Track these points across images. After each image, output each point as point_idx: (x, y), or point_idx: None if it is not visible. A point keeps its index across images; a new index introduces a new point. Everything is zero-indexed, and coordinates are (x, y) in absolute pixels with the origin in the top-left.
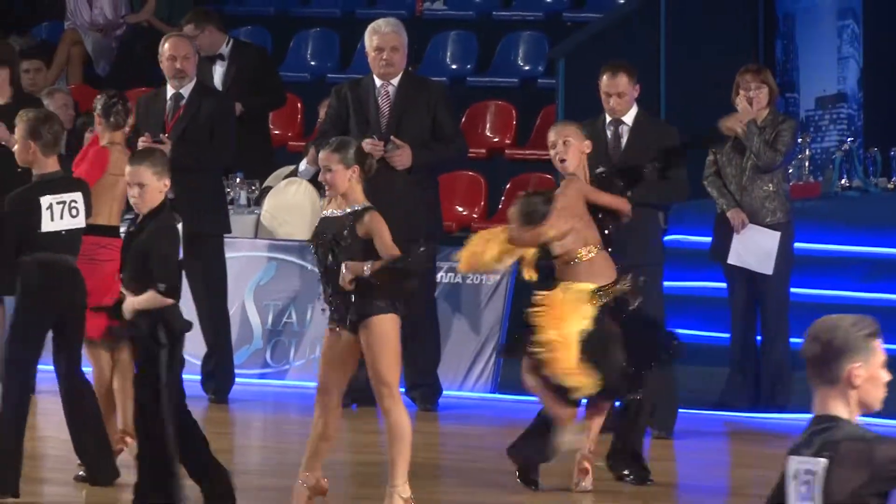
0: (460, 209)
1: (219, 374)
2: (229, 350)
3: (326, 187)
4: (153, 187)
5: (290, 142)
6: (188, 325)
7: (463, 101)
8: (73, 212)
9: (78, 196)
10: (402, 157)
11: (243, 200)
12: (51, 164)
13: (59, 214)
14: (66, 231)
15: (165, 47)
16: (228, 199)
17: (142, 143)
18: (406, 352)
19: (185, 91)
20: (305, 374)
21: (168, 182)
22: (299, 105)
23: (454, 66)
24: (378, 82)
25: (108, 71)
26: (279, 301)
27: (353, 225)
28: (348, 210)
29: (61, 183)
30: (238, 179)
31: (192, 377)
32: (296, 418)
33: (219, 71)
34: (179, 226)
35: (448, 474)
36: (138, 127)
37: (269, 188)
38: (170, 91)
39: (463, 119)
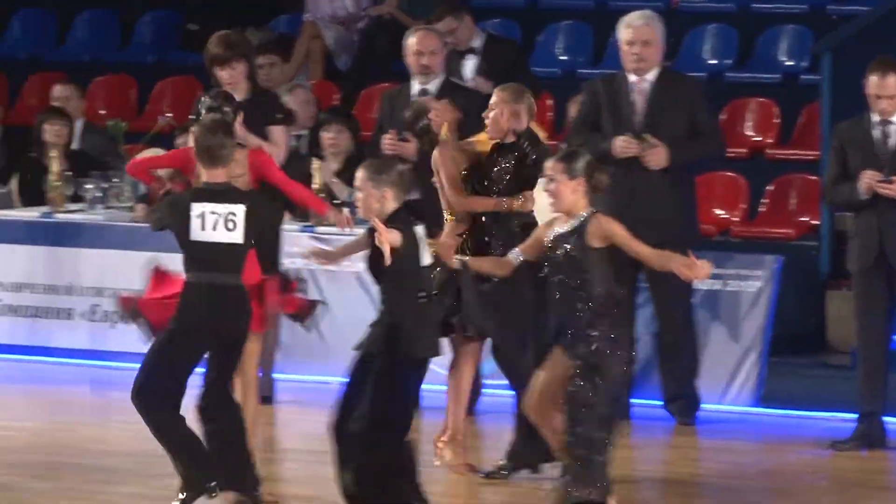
0: (719, 212)
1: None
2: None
3: (550, 200)
4: (369, 194)
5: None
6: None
7: (721, 98)
8: (230, 225)
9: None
10: (657, 157)
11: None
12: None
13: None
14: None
15: (411, 41)
16: None
17: (386, 141)
18: (662, 362)
19: (433, 87)
20: None
21: (387, 193)
22: (549, 102)
23: (712, 61)
24: (632, 78)
25: (348, 66)
26: None
27: (583, 235)
28: (575, 223)
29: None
30: None
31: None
32: None
33: (469, 65)
34: (419, 229)
35: (706, 493)
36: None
37: None
38: (415, 87)
39: (722, 116)
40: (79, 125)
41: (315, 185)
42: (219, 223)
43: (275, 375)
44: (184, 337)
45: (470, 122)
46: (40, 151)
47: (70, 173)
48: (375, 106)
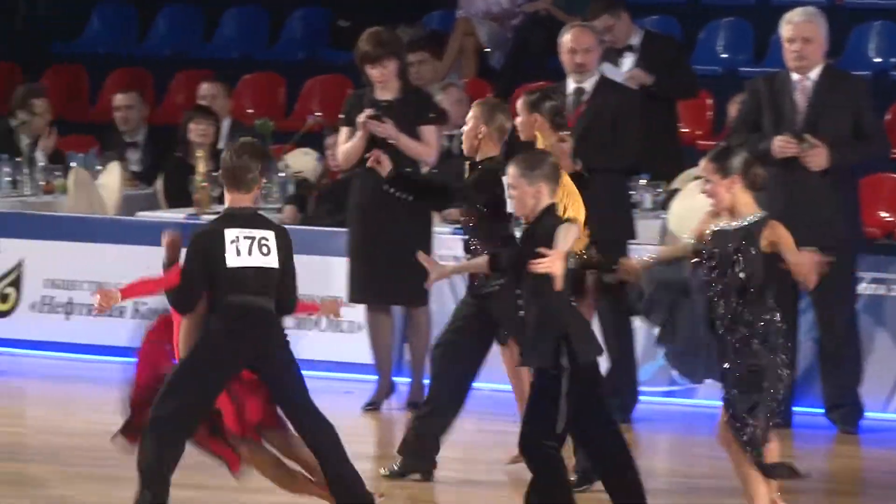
0: (884, 215)
1: (622, 391)
2: (633, 366)
3: (709, 201)
4: (524, 192)
5: (699, 140)
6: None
7: (887, 97)
8: (264, 249)
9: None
10: (818, 158)
11: (648, 204)
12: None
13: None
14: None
15: (566, 39)
16: (632, 202)
17: None
18: (824, 369)
19: (588, 85)
20: (716, 393)
21: (542, 188)
22: (709, 101)
23: (877, 59)
24: (794, 76)
25: (502, 63)
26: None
27: (754, 238)
28: (743, 223)
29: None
30: (643, 181)
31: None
32: (705, 440)
33: (627, 63)
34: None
35: (870, 503)
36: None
37: (676, 191)
38: (571, 85)
39: (887, 116)
40: (226, 124)
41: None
42: (253, 247)
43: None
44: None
45: (624, 120)
46: (186, 151)
47: (216, 173)
48: None
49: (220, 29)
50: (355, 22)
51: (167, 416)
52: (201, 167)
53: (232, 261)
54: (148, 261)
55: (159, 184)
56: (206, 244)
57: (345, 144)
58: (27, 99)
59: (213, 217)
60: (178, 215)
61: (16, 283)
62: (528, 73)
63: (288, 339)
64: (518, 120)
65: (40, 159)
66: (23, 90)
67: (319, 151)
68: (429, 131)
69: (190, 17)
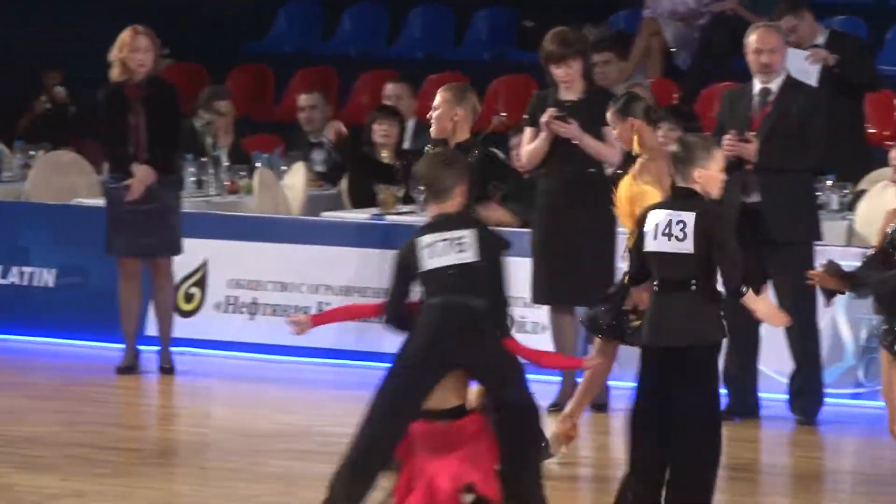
0: None
1: (806, 393)
2: (818, 367)
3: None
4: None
5: (887, 141)
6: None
7: None
8: (458, 247)
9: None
10: None
11: (835, 205)
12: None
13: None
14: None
15: (751, 39)
16: (819, 203)
17: (726, 142)
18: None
19: (774, 86)
20: None
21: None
22: None
23: None
24: None
25: (688, 63)
26: (874, 315)
27: None
28: None
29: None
30: (829, 182)
31: (777, 396)
32: (891, 442)
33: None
34: None
35: None
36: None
37: (863, 192)
38: (756, 86)
39: None
40: (410, 124)
41: None
42: (448, 248)
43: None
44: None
45: (810, 121)
46: (371, 151)
47: (401, 174)
48: (716, 105)
49: (405, 29)
50: (541, 22)
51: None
52: None
53: (427, 264)
54: (332, 261)
55: (344, 184)
56: (405, 257)
57: (529, 145)
58: (212, 100)
59: (396, 217)
60: (362, 215)
61: (200, 284)
62: (714, 73)
63: (501, 337)
64: (614, 132)
65: (225, 159)
66: (208, 91)
67: (504, 152)
68: (612, 132)
69: (375, 16)
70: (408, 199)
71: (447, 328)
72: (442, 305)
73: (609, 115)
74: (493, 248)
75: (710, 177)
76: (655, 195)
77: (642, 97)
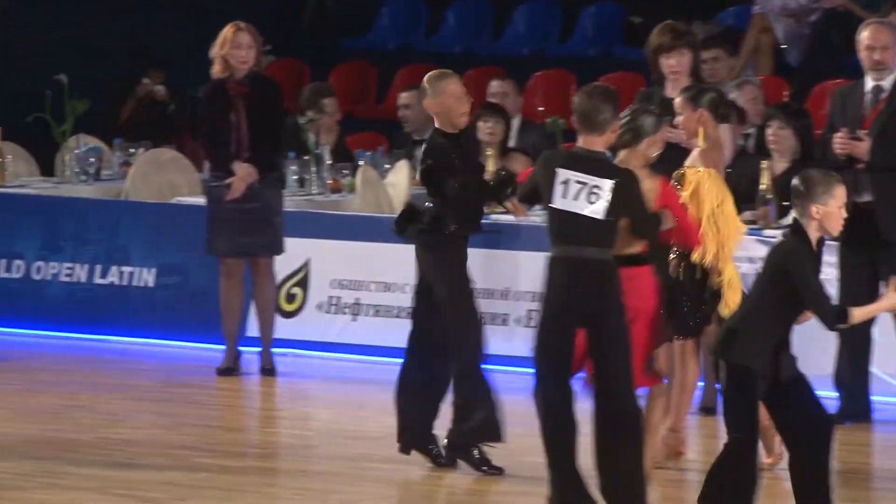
0: None
1: None
2: None
3: None
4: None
5: None
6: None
7: None
8: (592, 198)
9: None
10: None
11: None
12: None
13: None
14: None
15: (864, 35)
16: None
17: (837, 140)
18: None
19: (887, 83)
20: None
21: None
22: None
23: None
24: None
25: (799, 61)
26: None
27: None
28: None
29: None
30: None
31: (890, 399)
32: None
33: None
34: None
35: None
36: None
37: None
38: (868, 83)
39: None
40: (515, 122)
41: (762, 185)
42: (581, 194)
43: None
44: (551, 317)
45: None
46: (476, 149)
47: (506, 172)
48: (827, 103)
49: (510, 25)
50: (649, 18)
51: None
52: (491, 166)
53: (557, 202)
54: None
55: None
56: (540, 169)
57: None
58: (317, 97)
59: (499, 217)
60: None
61: (302, 284)
62: (826, 70)
63: (616, 292)
64: (679, 119)
65: (328, 158)
66: (312, 88)
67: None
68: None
69: (480, 12)
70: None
71: (570, 284)
72: (567, 260)
73: (679, 102)
74: (630, 199)
75: (828, 213)
76: (715, 182)
77: (715, 91)
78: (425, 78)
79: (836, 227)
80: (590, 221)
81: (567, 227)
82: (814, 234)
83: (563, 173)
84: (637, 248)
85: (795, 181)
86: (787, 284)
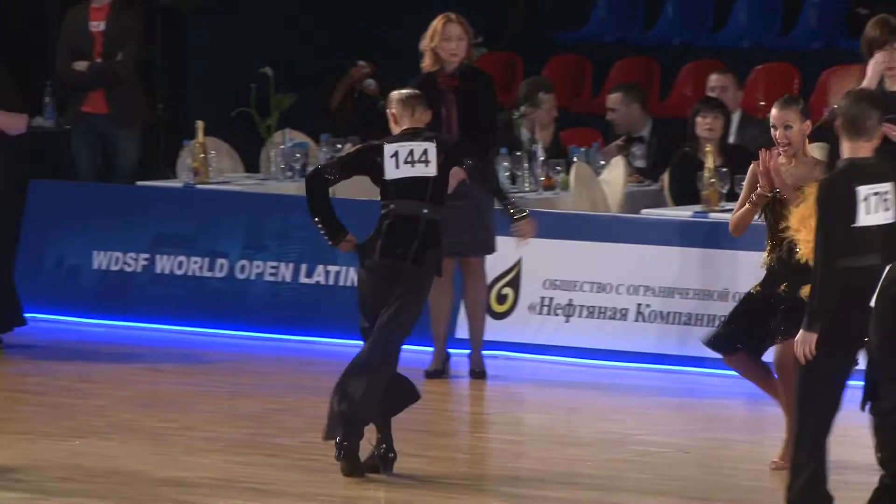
0: None
1: None
2: None
3: None
4: None
5: None
6: None
7: None
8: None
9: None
10: None
11: None
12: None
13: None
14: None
15: None
16: None
17: None
18: None
19: None
20: None
21: None
22: None
23: None
24: None
25: None
26: None
27: None
28: None
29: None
30: None
31: None
32: None
33: None
34: None
35: None
36: None
37: None
38: None
39: None
40: (735, 117)
41: None
42: (879, 205)
43: None
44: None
45: None
46: (694, 145)
47: (726, 169)
48: None
49: (731, 18)
50: (876, 9)
51: None
52: (710, 162)
53: (862, 219)
54: (652, 261)
55: (665, 180)
56: (832, 196)
57: None
58: (534, 92)
59: (720, 214)
60: (684, 213)
61: (514, 284)
62: None
63: None
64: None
65: (540, 154)
66: (529, 82)
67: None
68: None
69: (699, 4)
70: (732, 196)
71: (862, 301)
72: (859, 271)
73: (793, 114)
74: None
75: None
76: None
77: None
78: None
79: None
80: (879, 229)
81: (865, 240)
82: None
83: (863, 190)
84: None
85: None
86: None
